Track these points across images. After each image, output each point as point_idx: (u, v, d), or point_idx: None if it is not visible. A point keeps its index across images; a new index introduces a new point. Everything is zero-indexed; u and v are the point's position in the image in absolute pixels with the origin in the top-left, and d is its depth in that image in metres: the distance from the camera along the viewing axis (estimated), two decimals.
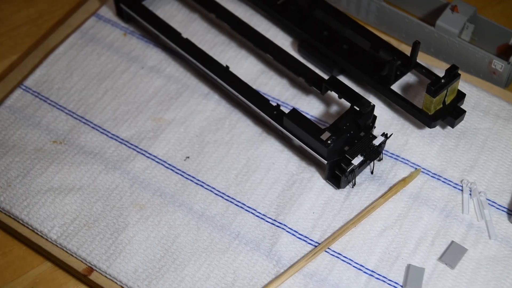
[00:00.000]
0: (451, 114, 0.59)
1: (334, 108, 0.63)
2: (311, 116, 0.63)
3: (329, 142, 0.56)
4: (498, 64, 0.63)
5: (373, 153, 0.57)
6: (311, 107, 0.63)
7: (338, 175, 0.57)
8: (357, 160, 0.56)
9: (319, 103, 0.64)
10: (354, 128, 0.57)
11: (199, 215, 0.57)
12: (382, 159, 0.59)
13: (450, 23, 0.65)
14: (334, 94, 0.61)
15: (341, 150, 0.57)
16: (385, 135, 0.57)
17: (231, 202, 0.58)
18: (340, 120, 0.58)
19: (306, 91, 0.64)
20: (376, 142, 0.57)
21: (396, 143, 0.61)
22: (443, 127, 0.62)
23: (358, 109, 0.58)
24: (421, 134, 0.61)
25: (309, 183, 0.59)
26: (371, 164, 0.59)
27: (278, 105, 0.60)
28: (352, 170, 0.56)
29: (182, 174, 0.60)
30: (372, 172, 0.59)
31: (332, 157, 0.57)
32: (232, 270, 0.55)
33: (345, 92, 0.59)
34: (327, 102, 0.64)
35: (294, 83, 0.65)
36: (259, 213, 0.57)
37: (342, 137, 0.56)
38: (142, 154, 0.61)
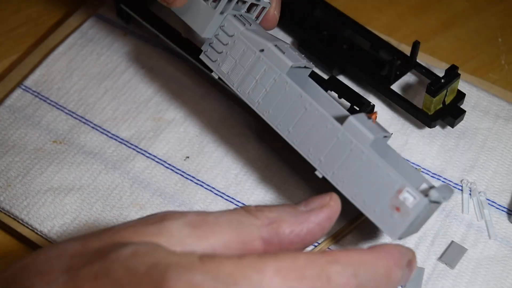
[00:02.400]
0: (451, 114, 0.59)
1: None
2: None
3: None
4: None
5: None
6: None
7: None
8: None
9: None
10: None
11: None
12: None
13: None
14: (334, 94, 0.61)
15: None
16: None
17: (231, 202, 0.58)
18: None
19: None
20: None
21: (396, 143, 0.61)
22: (443, 127, 0.62)
23: (358, 108, 0.58)
24: (421, 134, 0.61)
25: None
26: None
27: None
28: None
29: (182, 174, 0.60)
30: None
31: None
32: None
33: (345, 91, 0.59)
34: None
35: None
36: None
37: None
38: (142, 154, 0.61)
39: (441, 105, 0.60)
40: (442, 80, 0.58)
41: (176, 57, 0.67)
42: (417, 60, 0.62)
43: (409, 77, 0.65)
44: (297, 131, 0.50)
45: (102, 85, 0.65)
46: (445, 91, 0.58)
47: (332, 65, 0.64)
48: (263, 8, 0.55)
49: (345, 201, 0.49)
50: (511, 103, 0.63)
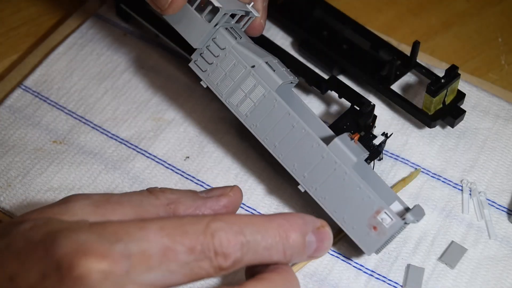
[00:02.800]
0: (451, 114, 0.59)
1: (334, 108, 0.63)
2: None
3: None
4: None
5: (374, 152, 0.57)
6: (311, 106, 0.63)
7: None
8: None
9: (319, 102, 0.64)
10: (354, 128, 0.57)
11: None
12: (382, 158, 0.59)
13: None
14: (334, 94, 0.61)
15: None
16: (385, 135, 0.57)
17: None
18: (341, 119, 0.58)
19: (306, 90, 0.65)
20: (377, 141, 0.57)
21: (396, 143, 0.61)
22: (443, 127, 0.62)
23: (358, 108, 0.58)
24: (421, 134, 0.61)
25: None
26: (372, 163, 0.59)
27: None
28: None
29: (182, 174, 0.60)
30: None
31: None
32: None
33: (345, 91, 0.59)
34: (328, 101, 0.64)
35: None
36: (259, 213, 0.57)
37: None
38: (142, 154, 0.61)
39: (441, 105, 0.60)
40: (442, 80, 0.58)
41: (176, 57, 0.67)
42: (417, 60, 0.62)
43: (409, 77, 0.65)
44: (283, 146, 0.53)
45: (102, 85, 0.65)
46: (445, 91, 0.58)
47: (332, 65, 0.64)
48: (250, 17, 0.57)
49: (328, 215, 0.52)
50: (511, 103, 0.63)
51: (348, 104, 0.60)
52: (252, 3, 0.55)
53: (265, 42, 0.65)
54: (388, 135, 0.58)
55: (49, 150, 0.61)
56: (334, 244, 0.55)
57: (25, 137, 0.62)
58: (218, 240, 0.37)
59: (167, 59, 0.67)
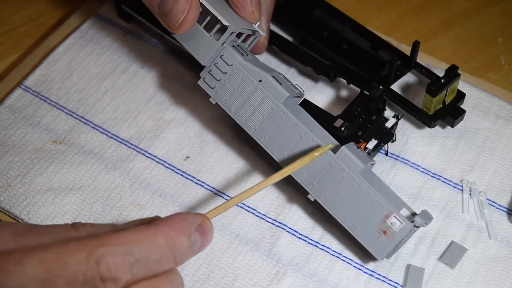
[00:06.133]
0: (451, 114, 0.59)
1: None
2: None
3: (342, 129, 0.57)
4: None
5: (387, 135, 0.57)
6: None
7: None
8: (371, 144, 0.57)
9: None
10: (365, 113, 0.58)
11: None
12: (395, 140, 0.60)
13: None
14: (342, 81, 0.61)
15: (355, 136, 0.57)
16: (396, 117, 0.58)
17: None
18: (352, 106, 0.58)
19: (314, 80, 0.65)
20: (389, 124, 0.57)
21: (395, 143, 0.61)
22: (443, 127, 0.62)
23: (368, 93, 0.58)
24: (421, 134, 0.61)
25: None
26: (385, 146, 0.59)
27: None
28: (368, 154, 0.57)
29: (182, 174, 0.60)
30: (387, 154, 0.59)
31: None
32: (232, 270, 0.55)
33: (353, 77, 0.60)
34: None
35: (302, 73, 0.65)
36: (259, 213, 0.57)
37: (355, 123, 0.57)
38: (142, 154, 0.61)
39: (441, 105, 0.60)
40: (442, 80, 0.58)
41: (176, 57, 0.67)
42: (417, 60, 0.62)
43: (409, 77, 0.65)
44: (291, 157, 0.54)
45: (102, 85, 0.65)
46: (445, 91, 0.58)
47: (332, 65, 0.64)
48: (255, 37, 0.58)
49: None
50: (511, 103, 0.63)
51: (357, 90, 0.60)
52: (258, 23, 0.57)
53: (271, 35, 0.65)
54: (400, 117, 0.58)
55: (49, 150, 0.61)
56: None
57: (25, 137, 0.62)
58: (105, 265, 0.37)
59: (167, 59, 0.67)
